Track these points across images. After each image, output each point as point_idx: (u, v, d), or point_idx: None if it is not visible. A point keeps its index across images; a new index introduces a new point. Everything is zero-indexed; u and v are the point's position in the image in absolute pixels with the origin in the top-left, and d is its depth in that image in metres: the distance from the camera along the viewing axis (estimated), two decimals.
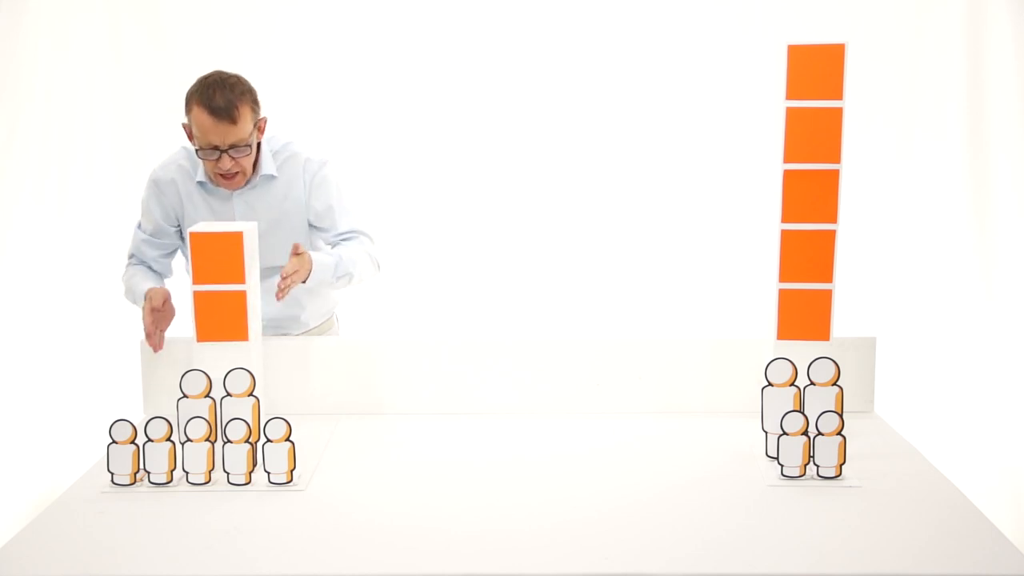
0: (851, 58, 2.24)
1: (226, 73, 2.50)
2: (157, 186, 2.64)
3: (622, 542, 1.87)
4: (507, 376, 2.59)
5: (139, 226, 2.70)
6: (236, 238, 2.22)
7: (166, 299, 2.48)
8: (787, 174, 2.27)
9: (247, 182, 2.59)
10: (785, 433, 2.12)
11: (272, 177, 2.62)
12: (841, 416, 2.12)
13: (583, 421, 2.53)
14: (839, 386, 2.18)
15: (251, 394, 2.18)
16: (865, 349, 2.54)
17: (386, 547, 1.87)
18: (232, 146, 2.46)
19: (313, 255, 2.46)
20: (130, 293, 2.61)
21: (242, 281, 2.24)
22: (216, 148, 2.46)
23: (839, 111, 2.24)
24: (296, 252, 2.40)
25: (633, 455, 2.31)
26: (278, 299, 2.38)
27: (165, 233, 2.67)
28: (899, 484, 2.12)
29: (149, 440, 2.11)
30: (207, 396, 2.18)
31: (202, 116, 2.44)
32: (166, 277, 2.70)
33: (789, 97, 2.25)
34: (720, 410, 2.56)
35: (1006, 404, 3.37)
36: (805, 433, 2.11)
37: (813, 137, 2.25)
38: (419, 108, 3.62)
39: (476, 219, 3.71)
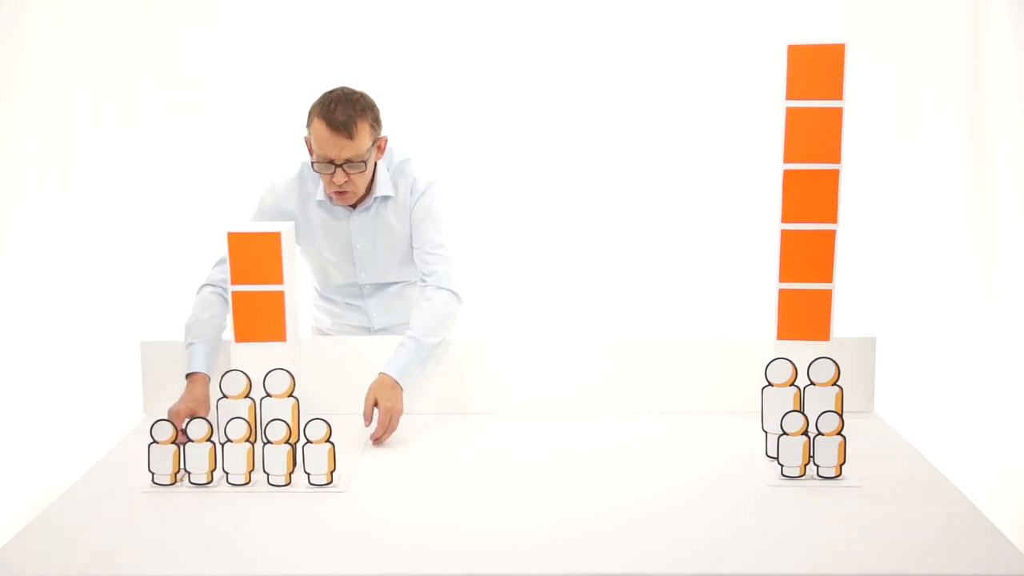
0: (851, 58, 2.24)
1: (350, 89, 2.49)
2: (271, 210, 2.60)
3: (622, 542, 1.87)
4: (507, 376, 2.59)
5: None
6: (274, 239, 2.22)
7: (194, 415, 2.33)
8: (787, 174, 2.27)
9: (362, 202, 2.58)
10: (785, 433, 2.12)
11: (387, 198, 2.59)
12: (841, 416, 2.12)
13: (583, 421, 2.53)
14: (839, 386, 2.18)
15: (291, 395, 2.17)
16: (865, 349, 2.54)
17: (387, 547, 1.87)
18: (347, 161, 2.44)
19: (395, 371, 2.38)
20: (189, 332, 2.48)
21: (280, 281, 2.23)
22: (331, 162, 2.44)
23: (839, 111, 2.24)
24: (375, 408, 2.34)
25: (633, 455, 2.31)
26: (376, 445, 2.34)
27: None
28: (899, 484, 2.12)
29: (190, 440, 2.12)
30: (247, 397, 2.18)
31: (320, 128, 2.42)
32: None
33: (789, 97, 2.25)
34: (720, 410, 2.56)
35: (1006, 404, 3.37)
36: (805, 433, 2.11)
37: (813, 137, 2.25)
38: (418, 109, 3.62)
39: (476, 220, 3.71)
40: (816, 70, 2.24)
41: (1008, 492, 3.29)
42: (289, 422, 2.13)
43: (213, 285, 2.55)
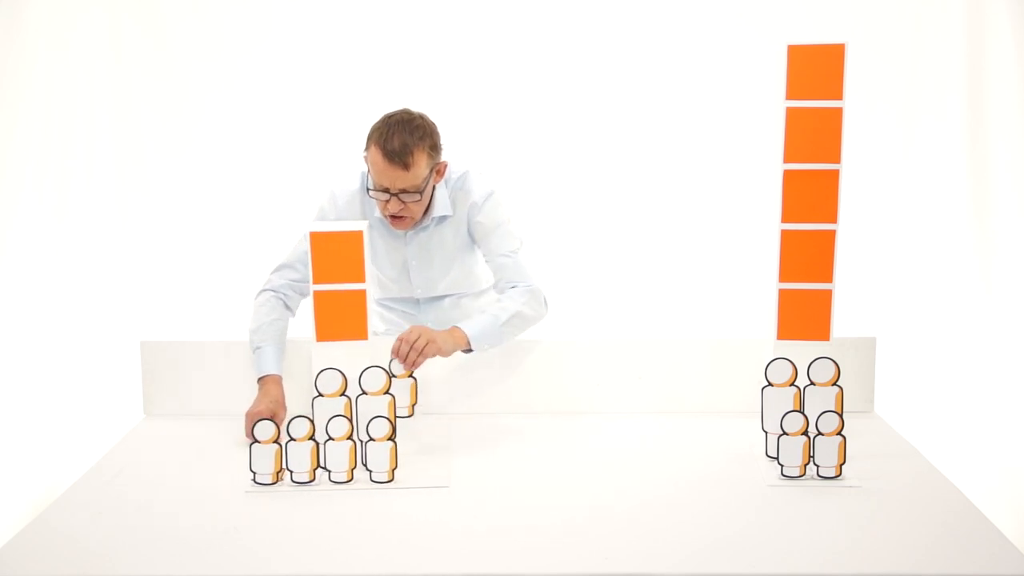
0: (851, 58, 2.24)
1: (411, 113, 2.46)
2: (332, 216, 2.59)
3: (622, 542, 1.87)
4: (507, 376, 2.59)
5: (306, 236, 2.56)
6: (356, 237, 2.22)
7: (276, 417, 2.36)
8: (787, 174, 2.27)
9: (420, 222, 2.56)
10: (785, 433, 2.12)
11: (445, 217, 2.58)
12: (841, 416, 2.12)
13: (583, 421, 2.53)
14: (839, 386, 2.18)
15: (387, 392, 2.19)
16: (865, 349, 2.54)
17: (386, 547, 1.87)
18: (403, 191, 2.42)
19: (470, 328, 2.40)
20: (256, 336, 2.50)
21: (362, 280, 2.24)
22: (387, 190, 2.43)
23: (839, 111, 2.24)
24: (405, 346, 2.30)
25: (633, 455, 2.31)
26: (409, 367, 2.30)
27: None
28: (899, 484, 2.12)
29: (291, 439, 2.12)
30: (342, 395, 2.18)
31: (377, 156, 2.40)
32: (292, 315, 2.60)
33: (789, 97, 2.25)
34: (720, 410, 2.56)
35: (1006, 404, 3.37)
36: (805, 433, 2.11)
37: (813, 137, 2.25)
38: (419, 108, 3.61)
39: None
40: (816, 70, 2.24)
41: (1008, 492, 3.29)
42: (389, 418, 2.15)
43: (274, 291, 2.56)
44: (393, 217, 2.49)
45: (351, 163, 3.54)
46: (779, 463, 2.13)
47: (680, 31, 3.56)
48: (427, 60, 3.60)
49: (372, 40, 3.59)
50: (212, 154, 3.64)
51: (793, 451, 2.12)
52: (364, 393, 2.19)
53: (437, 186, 2.55)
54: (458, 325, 2.41)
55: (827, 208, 2.27)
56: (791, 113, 2.25)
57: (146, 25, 3.54)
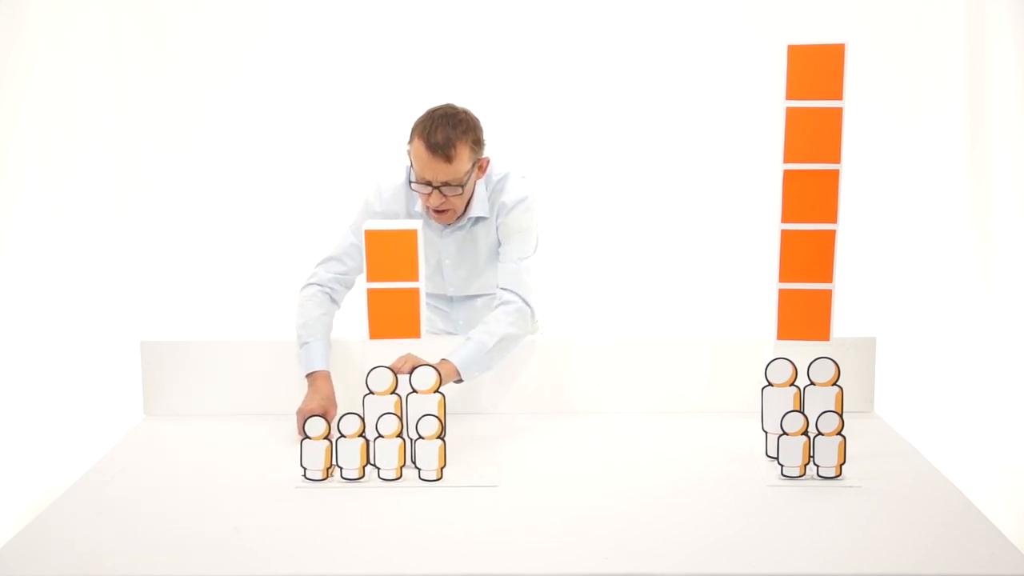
0: (851, 58, 2.24)
1: (454, 108, 2.46)
2: (379, 215, 2.57)
3: (622, 542, 1.87)
4: (507, 376, 2.59)
5: (352, 229, 2.59)
6: (410, 236, 2.23)
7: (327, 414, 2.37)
8: (787, 174, 2.27)
9: (458, 220, 2.56)
10: (785, 433, 2.12)
11: (481, 218, 2.58)
12: (841, 416, 2.12)
13: (583, 421, 2.53)
14: (839, 386, 2.18)
15: (437, 391, 2.20)
16: (865, 349, 2.54)
17: (385, 545, 1.87)
18: (445, 184, 2.42)
19: (458, 360, 2.38)
20: (303, 331, 2.50)
21: (415, 279, 2.24)
22: (429, 183, 2.43)
23: (839, 111, 2.24)
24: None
25: (633, 455, 2.31)
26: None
27: None
28: (899, 484, 2.12)
29: (342, 436, 2.13)
30: (392, 393, 2.19)
31: (420, 149, 2.40)
32: (337, 308, 2.60)
33: (789, 97, 2.25)
34: (720, 410, 2.56)
35: (1006, 404, 3.37)
36: (805, 433, 2.11)
37: (813, 137, 2.25)
38: (418, 108, 3.61)
39: None
40: (816, 70, 2.24)
41: (1008, 492, 3.29)
42: (439, 417, 2.16)
43: (320, 284, 2.57)
44: (435, 211, 2.50)
45: (351, 163, 3.56)
46: (779, 463, 2.13)
47: (680, 31, 3.57)
48: (434, 61, 3.60)
49: (370, 40, 3.59)
50: (212, 154, 3.64)
51: (793, 451, 2.12)
52: (414, 391, 2.20)
53: (478, 185, 2.56)
54: (447, 357, 2.39)
55: (827, 208, 2.27)
56: (791, 113, 2.26)
57: (146, 25, 3.54)
